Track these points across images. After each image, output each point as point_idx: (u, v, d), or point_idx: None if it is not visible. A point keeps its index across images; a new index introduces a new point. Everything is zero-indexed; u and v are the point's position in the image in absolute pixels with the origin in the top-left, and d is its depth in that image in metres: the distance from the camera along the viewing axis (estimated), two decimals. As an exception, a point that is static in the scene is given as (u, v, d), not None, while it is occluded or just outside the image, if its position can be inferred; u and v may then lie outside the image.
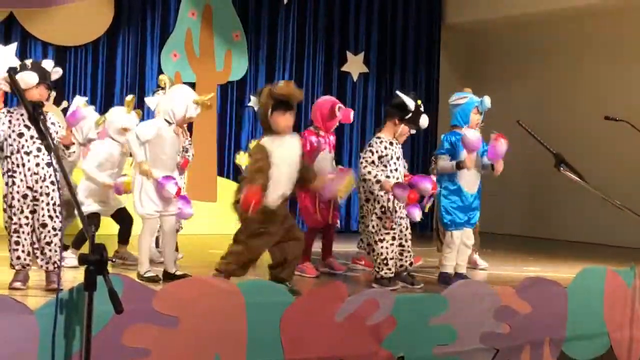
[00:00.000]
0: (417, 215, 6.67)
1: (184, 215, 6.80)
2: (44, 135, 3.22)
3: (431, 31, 13.38)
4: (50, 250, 5.84)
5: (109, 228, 7.78)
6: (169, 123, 6.52)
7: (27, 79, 5.81)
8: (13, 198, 5.81)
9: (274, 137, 5.91)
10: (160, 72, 11.23)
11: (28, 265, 5.90)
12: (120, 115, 7.46)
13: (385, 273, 6.57)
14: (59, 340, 3.84)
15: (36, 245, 5.89)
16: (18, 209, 5.82)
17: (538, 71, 12.93)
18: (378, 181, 6.53)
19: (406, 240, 6.79)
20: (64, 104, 10.62)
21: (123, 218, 7.51)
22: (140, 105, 8.26)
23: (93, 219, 7.30)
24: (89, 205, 7.33)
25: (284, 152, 5.88)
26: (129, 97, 7.61)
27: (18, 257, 5.86)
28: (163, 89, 7.07)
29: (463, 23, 13.39)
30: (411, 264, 6.91)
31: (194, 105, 6.61)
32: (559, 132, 11.07)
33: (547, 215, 12.53)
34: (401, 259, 6.80)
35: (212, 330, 4.52)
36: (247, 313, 4.66)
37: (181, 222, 7.58)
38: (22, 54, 9.56)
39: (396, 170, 6.68)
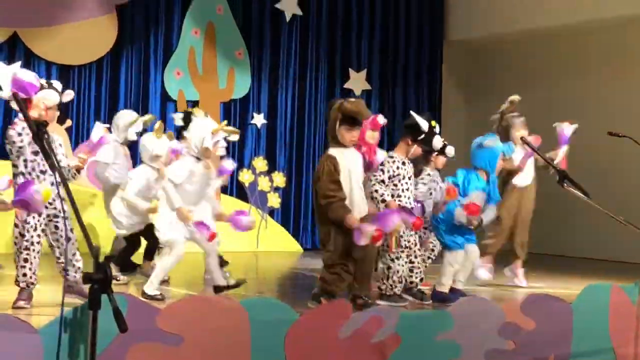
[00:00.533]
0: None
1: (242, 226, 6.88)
2: (48, 154, 3.23)
3: (433, 47, 13.40)
4: (77, 261, 6.01)
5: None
6: (198, 158, 6.66)
7: (51, 97, 5.89)
8: (29, 214, 5.85)
9: (338, 148, 6.23)
10: (163, 90, 11.27)
11: (33, 283, 5.91)
12: (152, 142, 7.53)
13: (396, 290, 6.63)
14: (63, 359, 3.84)
15: (61, 260, 6.01)
16: (32, 226, 5.87)
17: (541, 86, 12.94)
18: (384, 200, 6.57)
19: (415, 257, 6.88)
20: (68, 122, 10.69)
21: (152, 234, 7.59)
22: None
23: (136, 240, 7.56)
24: (131, 228, 7.51)
25: (348, 164, 6.21)
26: (157, 124, 7.68)
27: (24, 274, 5.87)
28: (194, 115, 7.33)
29: (465, 39, 13.42)
30: (421, 279, 6.94)
31: (211, 136, 6.70)
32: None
33: (551, 231, 12.51)
34: (411, 276, 6.84)
35: (216, 348, 4.52)
36: (252, 331, 4.65)
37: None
38: (25, 73, 9.57)
39: (407, 189, 6.76)
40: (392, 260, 6.66)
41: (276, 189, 11.84)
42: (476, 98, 13.56)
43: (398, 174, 6.71)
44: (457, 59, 13.78)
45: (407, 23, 13.17)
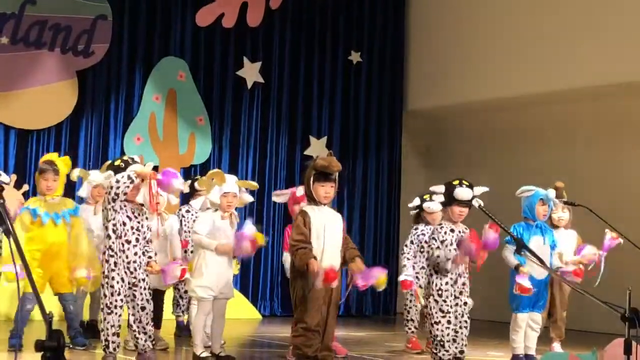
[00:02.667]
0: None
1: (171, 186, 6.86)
2: (3, 219, 3.19)
3: (393, 116, 13.53)
4: (150, 331, 6.47)
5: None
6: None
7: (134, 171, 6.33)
8: (113, 279, 6.32)
9: (313, 205, 6.28)
10: (123, 155, 11.22)
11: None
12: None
13: (443, 355, 6.59)
14: None
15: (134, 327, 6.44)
16: (116, 291, 6.30)
17: (499, 155, 13.09)
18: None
19: (460, 327, 6.73)
20: (25, 187, 10.58)
21: (155, 300, 7.52)
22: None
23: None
24: None
25: (322, 221, 6.22)
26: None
27: None
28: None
29: (424, 108, 13.58)
30: (462, 351, 6.86)
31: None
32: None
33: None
34: (457, 346, 6.81)
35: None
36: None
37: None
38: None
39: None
40: (432, 325, 6.66)
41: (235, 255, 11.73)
42: (435, 166, 13.67)
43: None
44: (416, 128, 13.93)
45: (367, 92, 13.30)
